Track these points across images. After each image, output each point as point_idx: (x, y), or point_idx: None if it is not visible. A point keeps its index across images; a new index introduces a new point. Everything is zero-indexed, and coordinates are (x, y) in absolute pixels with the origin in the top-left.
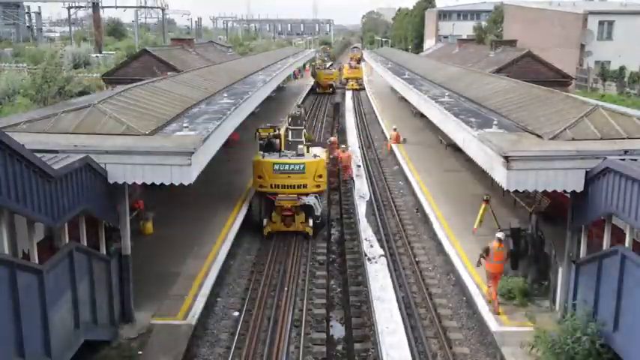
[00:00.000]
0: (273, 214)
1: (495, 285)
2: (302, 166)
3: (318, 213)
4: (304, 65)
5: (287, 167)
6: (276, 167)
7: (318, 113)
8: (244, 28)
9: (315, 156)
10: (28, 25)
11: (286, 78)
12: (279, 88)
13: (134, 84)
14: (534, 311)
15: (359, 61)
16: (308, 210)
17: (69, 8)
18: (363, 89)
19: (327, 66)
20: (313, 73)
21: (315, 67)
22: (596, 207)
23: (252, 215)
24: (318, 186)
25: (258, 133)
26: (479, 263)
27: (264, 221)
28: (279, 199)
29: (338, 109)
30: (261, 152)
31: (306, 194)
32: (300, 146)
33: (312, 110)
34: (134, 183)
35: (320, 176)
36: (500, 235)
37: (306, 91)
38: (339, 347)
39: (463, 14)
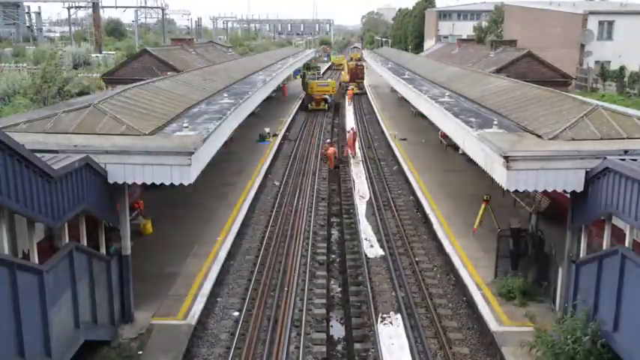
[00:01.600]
0: (312, 102)
1: None
2: (328, 83)
3: (330, 102)
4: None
5: (323, 84)
6: (319, 84)
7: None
8: (244, 28)
9: (332, 78)
10: (28, 25)
11: (286, 78)
12: (279, 88)
13: (134, 84)
14: (534, 311)
15: (359, 60)
16: (325, 100)
17: (69, 8)
18: (364, 93)
19: (321, 74)
20: (304, 83)
21: (307, 77)
22: (596, 207)
23: (304, 102)
24: (332, 89)
25: (306, 71)
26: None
27: (309, 105)
28: (314, 95)
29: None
30: (309, 78)
31: (328, 93)
32: (325, 76)
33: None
34: (134, 183)
35: (333, 87)
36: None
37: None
38: (339, 347)
39: (463, 14)
